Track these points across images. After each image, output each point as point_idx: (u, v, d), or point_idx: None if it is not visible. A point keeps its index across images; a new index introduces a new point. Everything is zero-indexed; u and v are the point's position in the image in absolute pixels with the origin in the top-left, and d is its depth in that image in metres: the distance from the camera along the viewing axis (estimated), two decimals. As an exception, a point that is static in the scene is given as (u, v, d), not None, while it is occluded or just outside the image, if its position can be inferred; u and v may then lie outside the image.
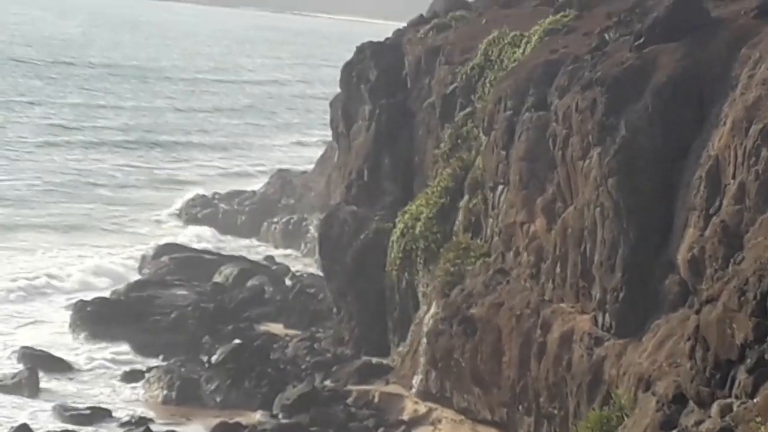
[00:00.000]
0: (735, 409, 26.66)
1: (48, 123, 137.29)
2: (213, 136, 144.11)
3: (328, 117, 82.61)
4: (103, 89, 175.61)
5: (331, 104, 74.63)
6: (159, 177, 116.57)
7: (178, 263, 75.81)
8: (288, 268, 77.59)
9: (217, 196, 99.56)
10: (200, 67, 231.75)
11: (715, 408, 28.14)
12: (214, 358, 58.17)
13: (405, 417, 52.03)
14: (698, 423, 28.62)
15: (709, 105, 43.19)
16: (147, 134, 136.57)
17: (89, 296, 66.64)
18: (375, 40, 70.75)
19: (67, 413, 51.47)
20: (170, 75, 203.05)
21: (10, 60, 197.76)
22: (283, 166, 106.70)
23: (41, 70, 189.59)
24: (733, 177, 40.61)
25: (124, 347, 60.57)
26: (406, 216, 57.68)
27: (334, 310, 63.84)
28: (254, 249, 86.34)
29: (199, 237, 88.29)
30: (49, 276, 75.43)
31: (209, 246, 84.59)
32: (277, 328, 64.74)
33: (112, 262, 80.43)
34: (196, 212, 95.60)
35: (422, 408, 52.29)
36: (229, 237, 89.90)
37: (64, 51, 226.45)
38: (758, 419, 24.10)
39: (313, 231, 79.12)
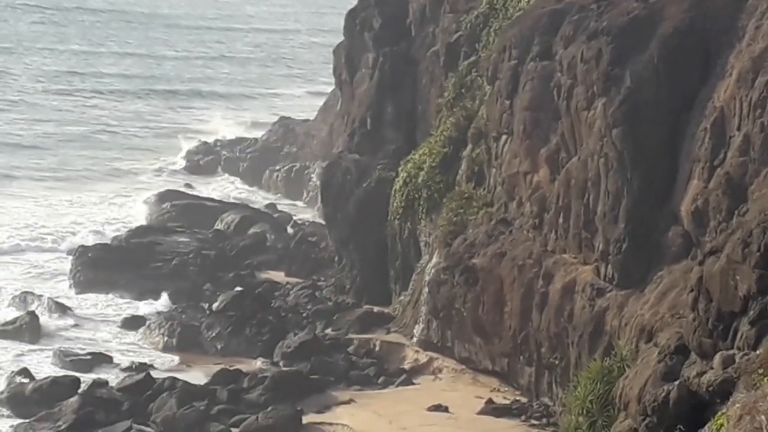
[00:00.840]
0: (737, 360, 26.64)
1: (51, 69, 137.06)
2: (216, 85, 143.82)
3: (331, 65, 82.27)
4: (106, 36, 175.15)
5: (334, 52, 74.30)
6: (161, 125, 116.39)
7: (180, 209, 75.73)
8: (290, 216, 77.51)
9: (219, 144, 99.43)
10: (204, 14, 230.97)
11: (717, 359, 28.13)
12: (215, 306, 58.26)
13: (406, 366, 52.15)
14: (700, 374, 28.61)
15: (715, 56, 43.11)
16: (149, 81, 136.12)
17: (91, 242, 66.60)
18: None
19: (67, 358, 51.56)
20: (174, 22, 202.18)
21: (12, 6, 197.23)
22: (286, 114, 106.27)
23: (44, 16, 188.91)
24: (738, 129, 40.57)
25: (125, 293, 60.56)
26: (409, 165, 57.65)
27: (336, 258, 63.93)
28: (254, 196, 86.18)
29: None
30: (51, 223, 75.64)
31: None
32: (278, 276, 64.75)
33: (113, 209, 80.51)
34: (198, 159, 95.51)
35: (423, 357, 52.39)
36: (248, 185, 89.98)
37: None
38: (760, 371, 24.07)
39: (315, 179, 79.04)
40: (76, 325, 56.72)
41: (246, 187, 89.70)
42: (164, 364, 52.23)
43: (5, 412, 45.77)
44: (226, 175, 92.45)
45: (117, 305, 59.45)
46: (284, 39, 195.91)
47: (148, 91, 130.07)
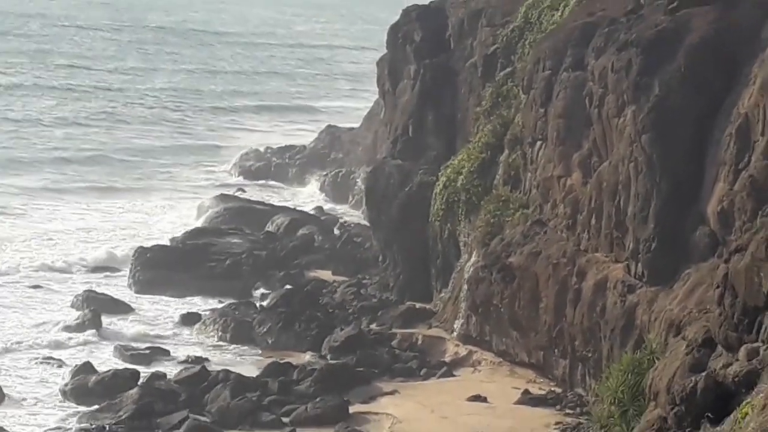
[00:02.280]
0: (762, 352, 26.58)
1: (112, 82, 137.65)
2: (266, 95, 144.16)
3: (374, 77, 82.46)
4: (162, 51, 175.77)
5: (378, 64, 74.41)
6: (214, 134, 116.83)
7: (233, 212, 75.99)
8: (336, 219, 77.73)
9: (269, 151, 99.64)
10: (255, 29, 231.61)
11: (742, 352, 28.07)
12: (266, 303, 58.42)
13: (447, 359, 52.18)
14: (726, 366, 28.56)
15: (739, 65, 43.02)
16: (202, 94, 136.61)
17: (148, 243, 66.84)
18: (420, 3, 70.54)
19: (127, 353, 51.80)
20: (228, 39, 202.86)
21: (76, 25, 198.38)
22: (331, 123, 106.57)
23: (106, 33, 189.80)
24: (762, 134, 40.46)
25: (182, 292, 60.72)
26: (449, 170, 57.70)
27: (380, 258, 64.00)
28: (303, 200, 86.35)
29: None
30: (112, 226, 76.09)
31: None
32: (325, 274, 64.89)
33: (170, 213, 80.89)
34: (249, 165, 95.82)
35: (463, 350, 52.41)
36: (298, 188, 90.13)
37: (124, 15, 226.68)
38: (784, 363, 24.03)
39: (360, 184, 79.14)
40: (135, 322, 56.91)
41: (294, 190, 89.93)
42: (218, 357, 52.32)
43: (70, 403, 45.89)
44: (276, 182, 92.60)
45: (174, 303, 59.59)
46: (331, 53, 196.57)
47: (202, 104, 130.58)
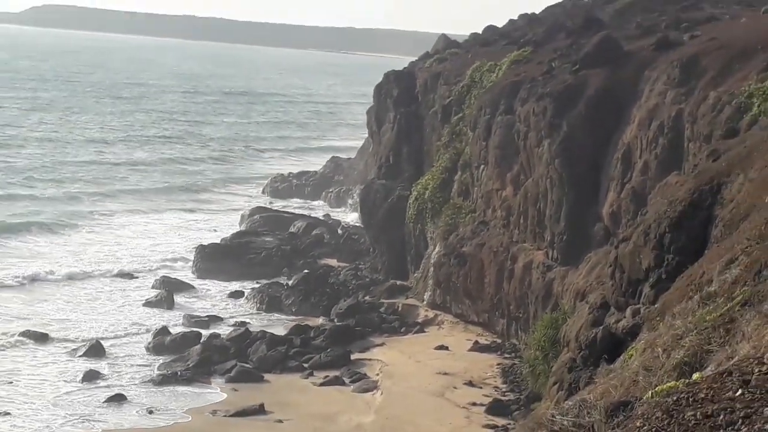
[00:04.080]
0: (642, 312, 26.59)
1: (178, 130, 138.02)
2: (288, 137, 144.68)
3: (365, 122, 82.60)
4: (214, 107, 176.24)
5: (367, 112, 74.55)
6: (251, 164, 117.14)
7: (265, 219, 75.92)
8: (339, 222, 77.60)
9: (291, 176, 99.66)
10: (281, 90, 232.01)
11: (628, 311, 28.07)
12: (290, 282, 58.33)
13: (419, 320, 52.11)
14: (617, 321, 28.57)
15: (623, 109, 43.18)
16: (243, 137, 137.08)
17: (206, 242, 66.77)
18: (396, 68, 70.56)
19: (192, 320, 51.64)
20: (261, 99, 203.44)
21: (161, 90, 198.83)
22: (335, 155, 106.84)
23: (176, 95, 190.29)
24: (640, 157, 40.63)
25: (230, 276, 60.63)
26: (419, 186, 57.69)
27: (371, 249, 63.96)
28: (315, 209, 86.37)
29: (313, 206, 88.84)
30: (181, 230, 76.09)
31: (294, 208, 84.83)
32: (332, 262, 64.79)
33: (221, 220, 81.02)
34: (277, 186, 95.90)
35: (431, 314, 52.35)
36: (311, 201, 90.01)
37: (189, 82, 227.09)
38: (657, 318, 24.00)
39: (355, 197, 78.99)
40: (196, 298, 56.82)
41: (309, 203, 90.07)
42: (257, 322, 52.23)
43: (152, 356, 45.80)
44: (296, 198, 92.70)
45: (224, 284, 59.47)
46: (335, 106, 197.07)
47: (242, 144, 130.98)
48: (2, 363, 43.30)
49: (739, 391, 7.79)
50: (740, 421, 7.33)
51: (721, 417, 7.43)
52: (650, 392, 8.78)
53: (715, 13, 52.78)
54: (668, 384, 8.93)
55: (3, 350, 44.88)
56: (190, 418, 38.38)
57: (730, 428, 7.26)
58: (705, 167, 28.69)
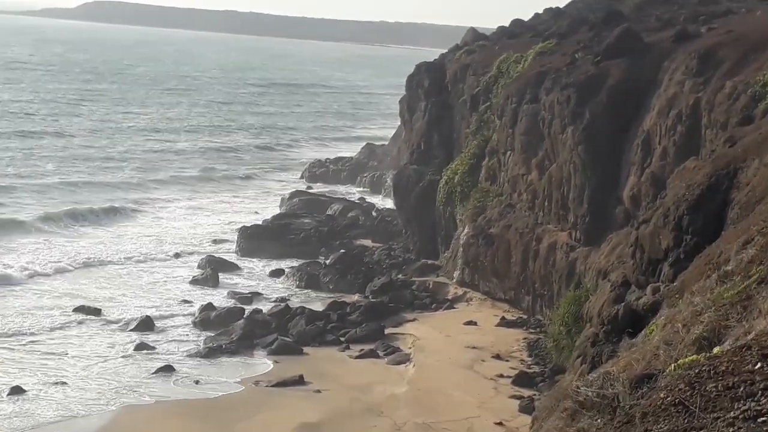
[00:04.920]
0: (662, 289, 26.48)
1: (223, 119, 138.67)
2: (326, 125, 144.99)
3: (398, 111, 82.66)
4: (257, 97, 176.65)
5: (400, 102, 74.47)
6: (292, 150, 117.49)
7: (304, 202, 76.11)
8: (373, 205, 77.64)
9: (328, 161, 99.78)
10: (320, 81, 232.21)
11: (648, 289, 27.99)
12: (328, 261, 58.45)
13: (449, 297, 52.16)
14: (638, 298, 28.50)
15: (643, 98, 42.95)
16: (282, 128, 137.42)
17: (249, 223, 67.03)
18: (427, 60, 70.41)
19: (236, 296, 51.87)
20: (301, 90, 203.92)
21: (206, 81, 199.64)
22: (370, 141, 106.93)
23: (222, 86, 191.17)
24: (659, 143, 40.41)
25: (271, 256, 60.82)
26: (449, 171, 57.63)
27: (404, 230, 63.93)
28: (351, 193, 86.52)
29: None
30: (225, 214, 76.54)
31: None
32: (367, 242, 64.75)
33: (264, 202, 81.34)
34: (314, 171, 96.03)
35: (460, 291, 52.40)
36: (337, 187, 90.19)
37: (234, 73, 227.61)
38: (677, 295, 23.90)
39: (389, 182, 78.99)
40: (240, 276, 57.04)
41: (345, 187, 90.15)
42: (297, 298, 52.40)
43: (199, 330, 46.06)
44: (333, 183, 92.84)
45: (266, 262, 59.67)
46: (373, 96, 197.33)
47: (284, 131, 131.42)
48: (58, 336, 43.71)
49: (759, 365, 7.76)
50: (760, 393, 7.30)
51: (742, 389, 7.40)
52: (672, 365, 8.74)
53: (731, 7, 52.41)
54: (690, 357, 8.89)
55: (60, 327, 45.23)
56: (235, 389, 38.60)
57: (750, 399, 7.23)
58: (721, 153, 28.52)
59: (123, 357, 41.55)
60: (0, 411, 34.98)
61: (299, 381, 39.33)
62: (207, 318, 47.00)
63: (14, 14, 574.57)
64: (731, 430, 6.85)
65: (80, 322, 45.74)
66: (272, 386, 38.91)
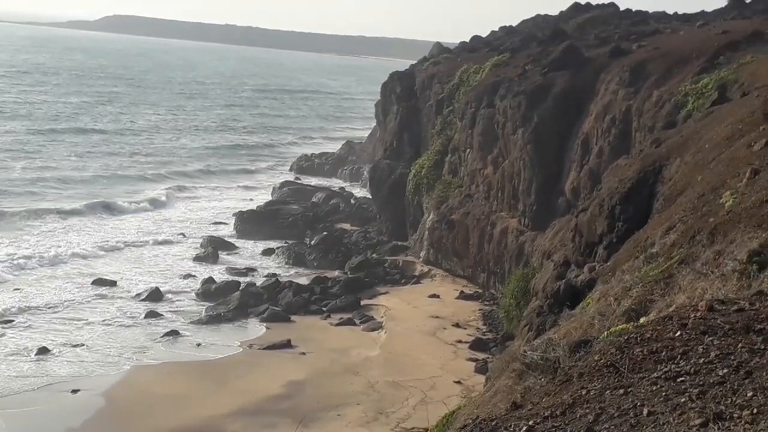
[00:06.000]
0: (597, 268, 26.55)
1: (223, 118, 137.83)
2: (311, 126, 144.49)
3: (374, 113, 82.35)
4: (251, 101, 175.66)
5: (375, 105, 74.40)
6: (283, 145, 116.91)
7: (292, 191, 75.90)
8: (352, 194, 77.50)
9: (313, 155, 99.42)
10: (305, 87, 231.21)
11: (586, 268, 28.04)
12: (312, 242, 58.31)
13: (416, 273, 52.11)
14: (577, 276, 28.54)
15: (583, 104, 43.01)
16: (277, 128, 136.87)
17: (244, 209, 66.78)
18: (399, 70, 70.26)
19: (232, 271, 51.73)
20: (290, 95, 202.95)
21: (209, 86, 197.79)
22: (350, 139, 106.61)
23: (221, 91, 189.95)
24: (596, 143, 40.50)
25: (263, 237, 60.65)
26: (417, 166, 57.56)
27: (378, 216, 63.85)
28: (333, 184, 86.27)
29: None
30: (224, 199, 76.16)
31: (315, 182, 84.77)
32: (346, 226, 64.66)
33: (257, 191, 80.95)
34: (302, 164, 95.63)
35: (425, 269, 52.36)
36: (321, 178, 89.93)
37: (232, 80, 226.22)
38: (609, 273, 24.00)
39: (366, 174, 78.92)
40: (236, 254, 56.82)
41: (328, 179, 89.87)
42: (285, 274, 52.29)
43: (200, 300, 45.90)
44: (317, 174, 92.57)
45: (259, 243, 59.44)
46: (352, 100, 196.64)
47: (274, 132, 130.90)
48: (78, 305, 43.47)
49: (678, 333, 7.81)
50: (679, 356, 7.36)
51: (664, 353, 7.45)
52: (605, 333, 8.80)
53: (659, 27, 52.64)
54: (620, 326, 8.94)
55: (80, 298, 44.99)
56: (232, 351, 38.53)
57: (670, 362, 7.29)
58: (649, 152, 28.61)
59: (134, 323, 41.39)
60: (28, 367, 34.91)
61: (287, 344, 39.30)
62: (208, 290, 46.86)
63: (43, 25, 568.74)
64: (654, 387, 6.90)
65: (98, 294, 45.49)
66: (264, 349, 38.88)
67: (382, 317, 43.80)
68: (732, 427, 6.11)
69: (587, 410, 6.81)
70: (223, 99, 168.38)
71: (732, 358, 7.18)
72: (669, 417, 6.38)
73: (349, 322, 43.28)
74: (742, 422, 6.15)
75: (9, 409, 30.85)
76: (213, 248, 55.63)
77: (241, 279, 49.66)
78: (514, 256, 44.72)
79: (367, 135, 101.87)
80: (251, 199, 75.67)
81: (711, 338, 7.60)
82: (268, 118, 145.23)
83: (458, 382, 34.79)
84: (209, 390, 33.66)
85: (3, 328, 39.21)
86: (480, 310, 44.97)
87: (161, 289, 46.45)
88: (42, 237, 56.54)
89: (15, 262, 49.48)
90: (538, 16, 78.29)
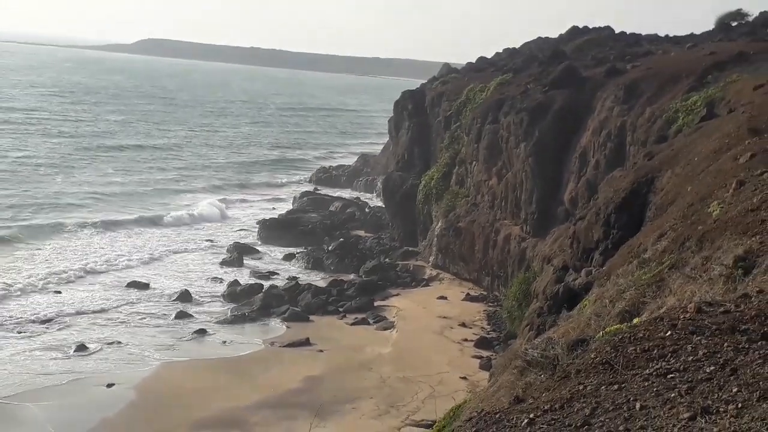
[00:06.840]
0: (593, 272, 26.47)
1: (248, 133, 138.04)
2: (329, 141, 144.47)
3: (387, 129, 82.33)
4: (274, 118, 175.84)
5: (389, 121, 74.43)
6: (302, 159, 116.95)
7: (311, 200, 75.92)
8: (367, 203, 77.52)
9: (331, 168, 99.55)
10: (323, 105, 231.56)
11: (583, 272, 27.97)
12: (329, 248, 58.29)
13: (425, 277, 52.02)
14: (575, 279, 28.46)
15: (581, 120, 42.91)
16: (299, 143, 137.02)
17: (267, 217, 66.83)
18: (411, 88, 70.26)
19: (256, 274, 51.75)
20: (309, 112, 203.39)
21: (235, 105, 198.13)
22: (365, 152, 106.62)
23: (246, 109, 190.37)
24: (593, 156, 40.37)
25: (285, 243, 60.69)
26: (426, 177, 57.56)
27: (390, 224, 63.85)
28: (349, 194, 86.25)
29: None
30: (248, 209, 76.21)
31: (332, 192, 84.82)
32: (361, 233, 64.71)
33: (280, 201, 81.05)
34: (320, 176, 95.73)
35: (434, 272, 52.27)
36: (338, 189, 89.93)
37: (257, 99, 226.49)
38: (605, 277, 23.90)
39: (379, 185, 78.96)
40: (260, 259, 56.85)
41: (344, 189, 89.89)
42: (305, 277, 52.25)
43: (226, 302, 45.93)
44: (335, 185, 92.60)
45: (281, 248, 59.48)
46: (367, 117, 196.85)
47: (295, 146, 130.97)
48: (114, 306, 43.55)
49: (669, 332, 7.75)
50: (669, 354, 7.30)
51: (655, 351, 7.40)
52: (601, 332, 8.74)
53: (651, 49, 52.51)
54: (614, 326, 8.88)
55: (116, 303, 45.10)
56: (255, 348, 38.53)
57: (661, 360, 7.23)
58: (642, 165, 28.50)
59: (165, 323, 41.44)
60: (67, 362, 34.99)
61: (306, 342, 39.27)
62: (233, 292, 46.89)
63: (83, 48, 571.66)
64: (646, 383, 6.84)
65: (132, 296, 45.55)
66: (284, 346, 38.86)
67: (394, 317, 43.73)
68: (718, 421, 6.05)
69: (584, 404, 6.77)
70: (249, 117, 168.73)
71: (719, 356, 7.12)
72: (660, 411, 6.34)
73: (364, 322, 43.22)
74: (728, 416, 6.10)
75: (47, 401, 30.93)
76: (238, 254, 55.68)
77: (264, 282, 49.66)
78: (517, 261, 44.60)
79: (380, 149, 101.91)
80: (274, 208, 75.74)
81: (699, 338, 7.54)
82: (290, 134, 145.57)
83: (464, 378, 34.67)
84: (233, 384, 33.65)
85: (44, 327, 39.36)
86: (485, 311, 44.84)
87: (190, 291, 46.51)
88: (81, 246, 56.65)
89: (56, 268, 49.64)
90: (539, 38, 78.23)
